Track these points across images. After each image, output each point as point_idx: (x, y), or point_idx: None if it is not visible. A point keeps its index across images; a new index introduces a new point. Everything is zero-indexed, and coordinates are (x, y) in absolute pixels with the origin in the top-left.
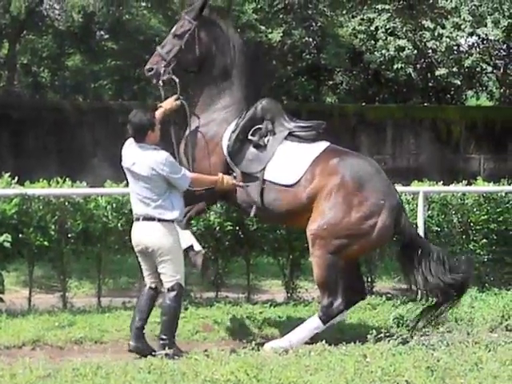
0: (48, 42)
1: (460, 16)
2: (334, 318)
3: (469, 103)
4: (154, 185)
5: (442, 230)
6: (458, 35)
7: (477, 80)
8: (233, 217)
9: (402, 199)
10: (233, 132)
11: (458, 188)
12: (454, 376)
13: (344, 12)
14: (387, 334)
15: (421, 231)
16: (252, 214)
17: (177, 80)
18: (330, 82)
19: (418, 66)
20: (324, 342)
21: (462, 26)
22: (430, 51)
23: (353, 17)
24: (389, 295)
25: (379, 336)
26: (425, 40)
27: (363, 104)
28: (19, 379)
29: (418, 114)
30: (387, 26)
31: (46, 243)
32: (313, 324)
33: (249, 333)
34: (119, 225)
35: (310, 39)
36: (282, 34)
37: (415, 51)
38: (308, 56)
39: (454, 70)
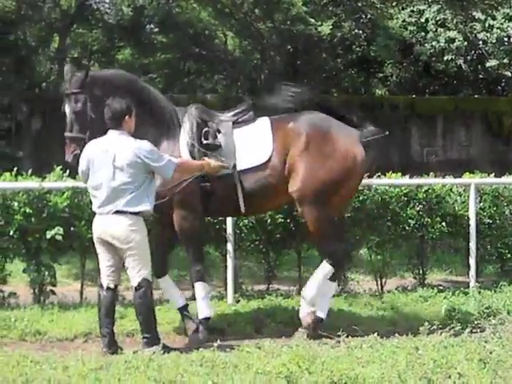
0: (98, 36)
1: (511, 7)
2: (341, 261)
3: None
4: (134, 174)
5: (494, 222)
6: (508, 26)
7: None
8: (284, 209)
9: (454, 191)
10: (191, 146)
11: (510, 180)
12: (507, 368)
13: (394, 4)
14: (439, 326)
15: (472, 223)
16: (242, 209)
17: None
18: (380, 75)
19: (469, 57)
20: (376, 334)
21: None
22: (481, 42)
23: (403, 8)
24: (440, 287)
25: (431, 328)
26: (475, 31)
27: (413, 96)
28: (72, 371)
29: (469, 105)
30: (437, 18)
31: None
32: (325, 270)
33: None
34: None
35: (360, 31)
36: (331, 27)
37: (465, 43)
38: (358, 48)
39: (505, 61)
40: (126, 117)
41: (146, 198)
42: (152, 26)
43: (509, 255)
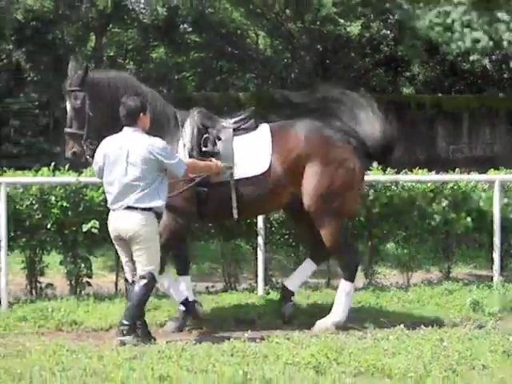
0: (133, 35)
1: None
2: (355, 273)
3: None
4: (147, 171)
5: None
6: None
7: None
8: None
9: (478, 188)
10: (190, 150)
11: None
12: None
13: (421, 5)
14: (464, 319)
15: (497, 219)
16: (235, 216)
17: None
18: (407, 74)
19: (494, 57)
20: (402, 326)
21: None
22: (505, 43)
23: (429, 10)
24: (465, 281)
25: (456, 320)
26: (500, 32)
27: (440, 95)
28: (106, 360)
29: (494, 104)
30: (463, 19)
31: None
32: (346, 288)
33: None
34: None
35: (388, 31)
36: (360, 27)
37: (491, 43)
38: (385, 48)
39: None
40: (141, 114)
41: (157, 195)
42: (185, 25)
43: None
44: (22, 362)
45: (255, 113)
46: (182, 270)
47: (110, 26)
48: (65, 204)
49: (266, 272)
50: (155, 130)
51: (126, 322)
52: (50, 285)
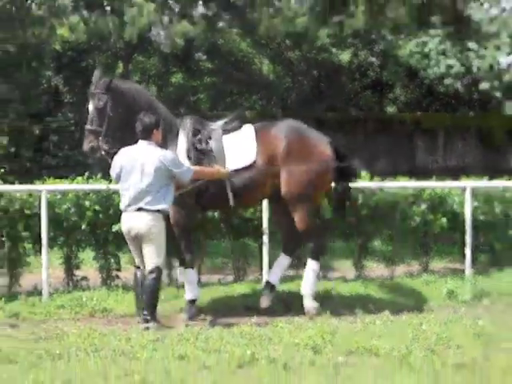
0: (155, 63)
1: (500, 39)
2: (321, 254)
3: (507, 112)
4: (158, 179)
5: (486, 219)
6: (498, 55)
7: None
8: None
9: (452, 193)
10: (187, 151)
11: (500, 183)
12: (497, 341)
13: (402, 36)
14: (440, 306)
15: (468, 219)
16: (231, 203)
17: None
18: (391, 95)
19: (465, 81)
20: (387, 312)
21: (502, 47)
22: (475, 69)
23: (409, 40)
24: (441, 273)
25: (433, 307)
26: (470, 59)
27: (419, 113)
28: (133, 342)
29: (465, 122)
30: (438, 48)
31: None
32: (313, 267)
33: (324, 304)
34: (215, 215)
35: (374, 59)
36: (350, 55)
37: (462, 69)
38: (372, 73)
39: (495, 84)
40: (154, 130)
41: (163, 199)
42: (200, 54)
43: (498, 246)
44: (61, 343)
45: (239, 115)
46: (190, 264)
47: (135, 54)
48: (97, 208)
49: (270, 266)
50: (163, 137)
51: (146, 313)
52: (84, 277)
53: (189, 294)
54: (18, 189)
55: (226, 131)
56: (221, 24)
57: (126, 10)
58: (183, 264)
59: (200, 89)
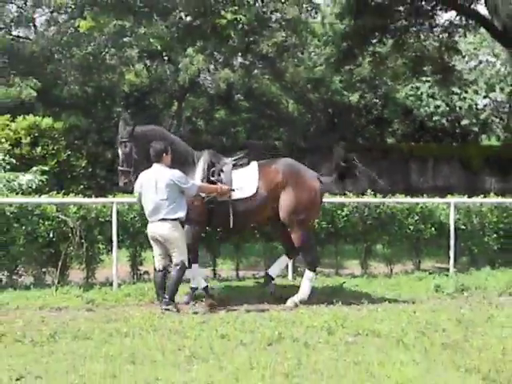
0: (203, 102)
1: (478, 85)
2: (315, 265)
3: (483, 143)
4: (169, 192)
5: (467, 228)
6: (476, 98)
7: (489, 128)
8: (325, 218)
9: (439, 207)
10: (202, 180)
11: (477, 200)
12: (475, 325)
13: (400, 82)
14: (429, 297)
15: (452, 228)
16: (231, 225)
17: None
18: (390, 129)
19: (449, 118)
20: (387, 302)
21: (479, 92)
22: (458, 108)
23: (406, 85)
24: (430, 271)
25: (424, 298)
26: (454, 101)
27: (412, 144)
28: (184, 323)
29: (449, 150)
30: (429, 92)
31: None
32: (309, 276)
33: (337, 295)
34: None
35: (377, 100)
36: (358, 97)
37: (447, 108)
38: (375, 111)
39: (473, 121)
40: (164, 154)
41: (179, 209)
42: (239, 95)
43: (476, 250)
44: (127, 324)
45: (248, 153)
46: (194, 260)
47: (187, 95)
48: None
49: (294, 264)
50: (179, 164)
51: (167, 297)
52: (146, 272)
53: (193, 283)
54: (94, 201)
55: (235, 166)
56: (255, 71)
57: (180, 60)
58: (191, 262)
59: (239, 123)
